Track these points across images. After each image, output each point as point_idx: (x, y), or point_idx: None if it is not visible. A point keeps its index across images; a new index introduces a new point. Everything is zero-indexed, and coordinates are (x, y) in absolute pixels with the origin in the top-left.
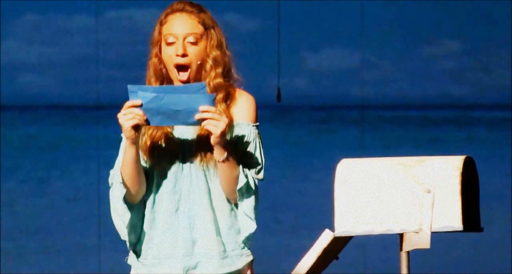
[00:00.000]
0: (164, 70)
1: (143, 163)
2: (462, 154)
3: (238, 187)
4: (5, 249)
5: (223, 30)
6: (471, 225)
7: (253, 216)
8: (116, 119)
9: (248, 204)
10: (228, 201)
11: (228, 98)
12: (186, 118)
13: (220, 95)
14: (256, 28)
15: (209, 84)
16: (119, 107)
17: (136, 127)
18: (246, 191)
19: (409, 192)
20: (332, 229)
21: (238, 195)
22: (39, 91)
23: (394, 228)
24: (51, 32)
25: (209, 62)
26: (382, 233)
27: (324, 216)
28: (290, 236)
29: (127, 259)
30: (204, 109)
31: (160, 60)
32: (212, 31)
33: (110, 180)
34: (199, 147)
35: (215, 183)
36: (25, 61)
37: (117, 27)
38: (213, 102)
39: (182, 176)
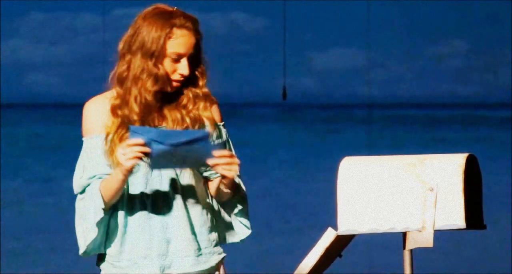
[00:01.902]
0: (162, 74)
1: (107, 169)
2: (466, 152)
3: (235, 211)
4: (11, 248)
5: (224, 27)
6: (474, 222)
7: (249, 224)
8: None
9: (243, 214)
10: (200, 199)
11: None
12: (194, 164)
13: (208, 103)
14: (262, 27)
15: (196, 94)
16: None
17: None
18: (240, 202)
19: (412, 190)
20: (335, 227)
21: (234, 211)
22: (45, 90)
23: (397, 227)
24: (57, 31)
25: (198, 74)
26: (385, 232)
27: (331, 215)
28: (297, 236)
29: (97, 264)
30: (218, 155)
31: (159, 68)
32: (201, 42)
33: (77, 188)
34: None
35: (187, 182)
36: (31, 60)
37: (124, 26)
38: (220, 146)
39: (152, 177)
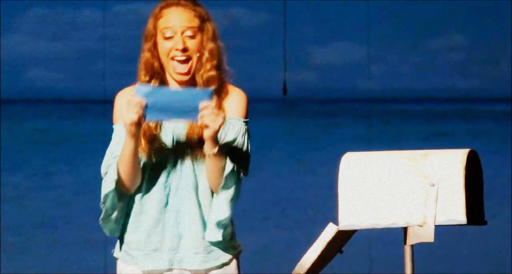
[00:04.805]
0: (156, 64)
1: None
2: (468, 147)
3: (225, 173)
4: (12, 243)
5: (224, 22)
6: (475, 218)
7: (227, 205)
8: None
9: (227, 194)
10: (213, 196)
11: (221, 90)
12: (183, 113)
13: (212, 87)
14: (262, 22)
15: (202, 76)
16: None
17: (137, 123)
18: (230, 179)
19: (413, 186)
20: (336, 222)
21: (222, 182)
22: (46, 86)
23: (398, 222)
24: (58, 26)
25: (206, 54)
26: (386, 227)
27: (331, 209)
28: (297, 230)
29: (113, 252)
30: (203, 106)
31: (153, 55)
32: (207, 23)
33: (103, 170)
34: (189, 141)
35: (203, 179)
36: (32, 55)
37: (124, 21)
38: (210, 97)
39: (173, 171)
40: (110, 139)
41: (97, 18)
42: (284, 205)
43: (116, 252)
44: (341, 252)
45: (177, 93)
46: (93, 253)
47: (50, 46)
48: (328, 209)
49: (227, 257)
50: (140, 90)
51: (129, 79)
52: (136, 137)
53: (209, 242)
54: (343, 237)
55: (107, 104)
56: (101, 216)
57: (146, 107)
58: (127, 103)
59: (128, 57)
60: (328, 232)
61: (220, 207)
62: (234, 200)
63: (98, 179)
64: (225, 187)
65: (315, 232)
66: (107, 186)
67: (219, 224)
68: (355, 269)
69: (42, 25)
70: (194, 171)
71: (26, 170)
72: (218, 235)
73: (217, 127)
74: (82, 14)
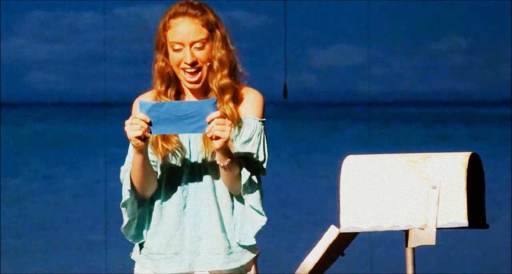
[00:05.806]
0: (171, 73)
1: (153, 157)
2: (468, 150)
3: (243, 182)
4: (12, 246)
5: (225, 25)
6: (476, 221)
7: (260, 208)
8: (123, 116)
9: (254, 198)
10: (231, 197)
11: (236, 94)
12: (188, 125)
13: (227, 96)
14: (262, 25)
15: (215, 85)
16: (126, 105)
17: (143, 138)
18: (250, 185)
19: (414, 188)
20: (337, 225)
21: (242, 189)
22: (47, 88)
23: (399, 224)
24: (59, 30)
25: (216, 63)
26: (388, 230)
27: (331, 212)
28: (298, 232)
29: (131, 254)
30: (210, 118)
31: (167, 64)
32: (217, 31)
33: (121, 176)
34: (204, 143)
35: (220, 180)
36: (33, 58)
37: (125, 24)
38: (215, 106)
39: (191, 174)
40: (110, 141)
41: (98, 21)
42: (284, 207)
43: (134, 255)
44: (343, 254)
45: (181, 105)
46: (93, 255)
47: (50, 49)
48: (328, 211)
49: (246, 259)
50: (143, 106)
51: (130, 81)
52: (143, 151)
53: (228, 243)
54: (344, 239)
55: (108, 106)
56: (123, 224)
57: (150, 123)
58: (131, 119)
59: (128, 59)
60: (330, 235)
61: (255, 215)
62: (262, 199)
63: (99, 181)
64: (249, 192)
65: (316, 234)
66: (124, 195)
67: (260, 230)
68: (356, 270)
69: (42, 28)
70: (210, 171)
71: (27, 173)
72: (253, 240)
73: (227, 136)
74: (82, 17)
